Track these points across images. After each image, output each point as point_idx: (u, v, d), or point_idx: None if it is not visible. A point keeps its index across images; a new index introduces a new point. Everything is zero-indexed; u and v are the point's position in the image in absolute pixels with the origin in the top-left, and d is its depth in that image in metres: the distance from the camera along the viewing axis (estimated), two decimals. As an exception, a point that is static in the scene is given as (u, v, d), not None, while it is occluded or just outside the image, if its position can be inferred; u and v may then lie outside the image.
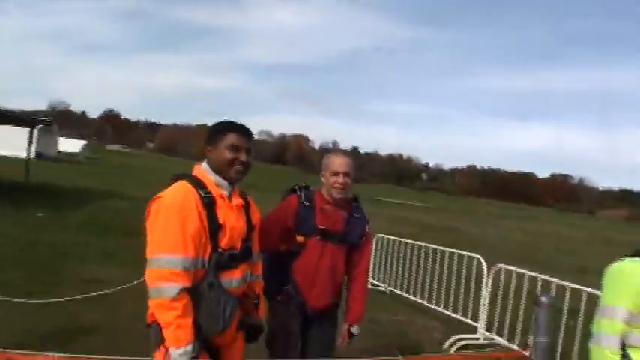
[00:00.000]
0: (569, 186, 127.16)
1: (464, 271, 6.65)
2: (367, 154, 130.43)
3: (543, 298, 2.21)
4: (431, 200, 68.52)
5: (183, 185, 2.36)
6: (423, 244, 7.58)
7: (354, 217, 3.25)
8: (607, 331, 2.33)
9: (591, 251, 22.93)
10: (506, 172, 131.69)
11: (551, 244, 24.22)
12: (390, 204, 46.15)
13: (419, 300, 7.38)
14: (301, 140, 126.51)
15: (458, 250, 6.91)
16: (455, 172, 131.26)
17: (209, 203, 2.33)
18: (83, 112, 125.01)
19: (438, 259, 7.20)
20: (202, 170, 2.46)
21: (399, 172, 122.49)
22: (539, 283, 5.58)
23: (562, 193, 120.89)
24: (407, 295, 7.68)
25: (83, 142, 47.20)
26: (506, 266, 5.95)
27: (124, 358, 3.34)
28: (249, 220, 2.55)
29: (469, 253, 6.66)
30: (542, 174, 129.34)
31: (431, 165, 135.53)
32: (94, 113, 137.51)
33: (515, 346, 5.39)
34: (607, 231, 45.61)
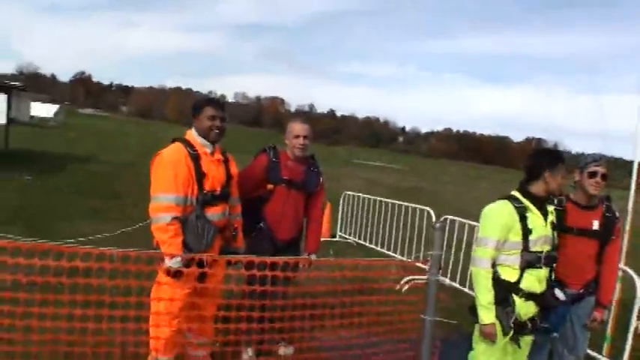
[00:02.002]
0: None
1: (417, 223, 7.54)
2: (344, 117, 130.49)
3: (438, 225, 3.04)
4: (406, 163, 69.56)
5: (177, 145, 3.37)
6: (384, 199, 8.46)
7: (311, 170, 4.22)
8: (481, 256, 3.11)
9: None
10: (481, 135, 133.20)
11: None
12: (365, 166, 47.04)
13: (380, 248, 8.29)
14: (277, 103, 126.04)
15: (412, 204, 7.79)
16: (431, 136, 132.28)
17: (195, 157, 3.33)
18: (53, 76, 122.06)
19: (396, 213, 8.08)
20: (191, 134, 3.45)
21: (375, 135, 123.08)
22: (476, 230, 6.46)
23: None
24: (370, 244, 8.61)
25: (56, 107, 46.24)
26: (451, 217, 6.82)
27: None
28: (228, 171, 3.54)
29: (421, 207, 7.55)
30: (517, 137, 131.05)
31: (407, 128, 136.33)
32: (64, 77, 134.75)
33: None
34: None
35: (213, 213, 3.39)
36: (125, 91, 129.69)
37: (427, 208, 7.41)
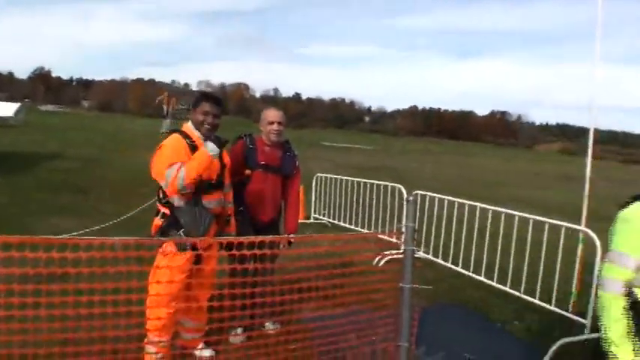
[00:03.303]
0: (508, 123, 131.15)
1: (389, 200, 7.77)
2: (310, 100, 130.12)
3: (410, 198, 3.22)
4: (373, 142, 70.18)
5: (176, 136, 3.63)
6: (355, 179, 8.67)
7: (287, 155, 4.44)
8: (615, 277, 2.33)
9: (517, 181, 24.89)
10: (446, 111, 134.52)
11: (481, 177, 26.04)
12: (333, 148, 47.34)
13: (354, 227, 8.50)
14: (242, 89, 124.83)
15: (382, 182, 8.01)
16: (397, 114, 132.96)
17: (193, 148, 3.57)
18: (10, 73, 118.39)
19: (368, 192, 8.29)
20: (188, 127, 3.71)
21: (342, 116, 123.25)
22: (446, 203, 6.73)
23: (501, 130, 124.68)
24: (344, 224, 8.82)
25: (16, 105, 44.98)
26: (422, 192, 7.05)
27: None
28: (221, 160, 3.77)
29: (392, 184, 7.79)
30: (482, 112, 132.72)
31: (373, 108, 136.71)
32: (22, 73, 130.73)
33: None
34: (539, 163, 48.59)
35: (210, 200, 3.64)
36: (86, 85, 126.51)
37: (398, 185, 7.64)
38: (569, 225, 5.17)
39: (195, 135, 3.63)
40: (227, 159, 3.90)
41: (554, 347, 4.49)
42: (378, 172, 21.19)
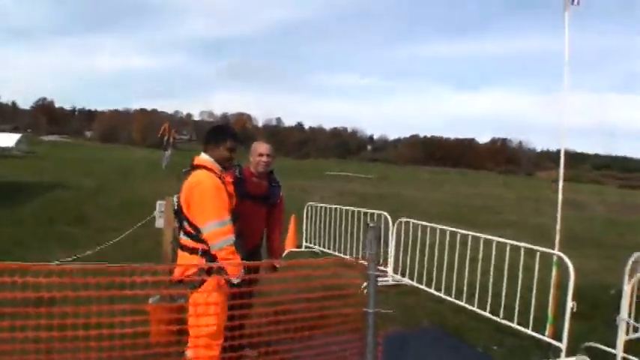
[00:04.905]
0: (509, 149, 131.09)
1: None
2: (312, 129, 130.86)
3: (371, 224, 3.36)
4: (375, 171, 70.14)
5: (207, 172, 3.67)
6: (343, 207, 8.82)
7: (272, 185, 4.70)
8: None
9: (515, 209, 24.96)
10: (448, 139, 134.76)
11: (481, 203, 26.10)
12: (336, 177, 47.47)
13: (342, 255, 8.62)
14: (244, 119, 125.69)
15: (369, 210, 8.16)
16: (398, 143, 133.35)
17: (223, 183, 3.70)
18: (13, 103, 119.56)
19: (356, 219, 8.44)
20: (209, 161, 3.76)
21: (344, 144, 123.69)
22: (428, 230, 6.86)
23: (502, 157, 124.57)
24: (334, 252, 8.94)
25: (18, 135, 45.43)
26: (406, 219, 7.19)
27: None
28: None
29: (377, 211, 7.92)
30: (483, 139, 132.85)
31: (375, 136, 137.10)
32: (25, 104, 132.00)
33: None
34: (538, 189, 48.53)
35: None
36: (89, 115, 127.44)
37: (384, 213, 7.79)
38: (543, 249, 5.30)
39: (217, 169, 3.74)
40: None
41: (530, 370, 4.60)
42: (377, 200, 21.33)
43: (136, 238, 8.86)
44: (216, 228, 3.51)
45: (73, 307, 2.70)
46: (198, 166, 3.73)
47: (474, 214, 19.37)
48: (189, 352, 3.50)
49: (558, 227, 5.30)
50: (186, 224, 3.64)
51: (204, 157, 3.78)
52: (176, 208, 3.75)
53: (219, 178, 3.67)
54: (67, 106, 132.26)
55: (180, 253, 3.69)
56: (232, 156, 3.86)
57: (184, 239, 3.66)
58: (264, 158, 4.56)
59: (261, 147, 4.61)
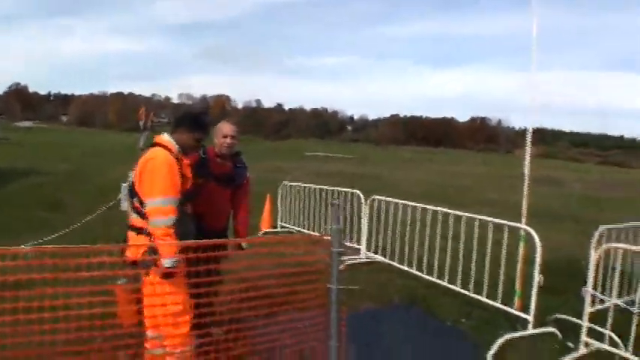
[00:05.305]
0: (488, 128, 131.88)
1: (348, 206, 7.93)
2: (292, 110, 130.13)
3: (334, 201, 3.37)
4: (357, 151, 70.21)
5: (166, 153, 3.58)
6: (317, 186, 8.82)
7: (237, 166, 4.59)
8: None
9: (495, 187, 25.25)
10: (428, 118, 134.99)
11: (459, 182, 26.32)
12: (315, 157, 47.39)
13: (316, 233, 8.63)
14: (223, 101, 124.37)
15: (342, 188, 8.18)
16: (379, 122, 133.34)
17: (179, 162, 3.61)
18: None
19: (330, 198, 8.44)
20: (169, 142, 3.67)
21: (324, 125, 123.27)
22: (400, 207, 6.91)
23: (482, 135, 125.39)
24: (308, 231, 8.95)
25: (-11, 122, 44.46)
26: (379, 197, 7.22)
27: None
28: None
29: (351, 190, 7.94)
30: (462, 118, 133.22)
31: (356, 117, 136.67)
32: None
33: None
34: (517, 167, 48.80)
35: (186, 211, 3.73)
36: (65, 100, 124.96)
37: (356, 191, 7.80)
38: (511, 223, 5.37)
39: (175, 150, 3.65)
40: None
41: (498, 342, 4.69)
42: (360, 179, 21.39)
43: (108, 221, 8.80)
44: (158, 205, 3.42)
45: (40, 289, 2.67)
46: (158, 145, 3.65)
47: (455, 193, 19.53)
48: (149, 333, 3.46)
49: (524, 202, 5.37)
50: (135, 201, 3.54)
51: (165, 137, 3.70)
52: (130, 185, 3.66)
53: (177, 158, 3.60)
54: (42, 91, 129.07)
55: (129, 233, 3.58)
56: (197, 146, 3.88)
57: (134, 217, 3.55)
58: (228, 140, 4.46)
59: (225, 127, 4.49)
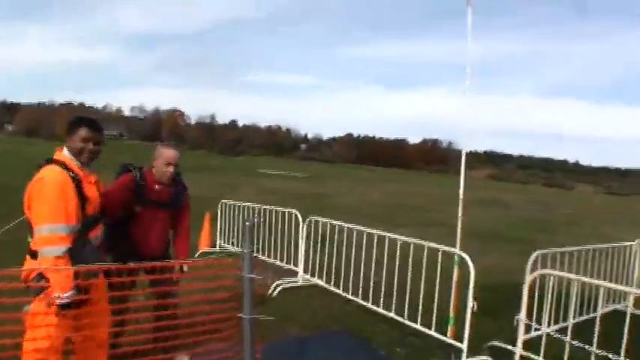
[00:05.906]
0: (439, 149, 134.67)
1: (286, 226, 7.68)
2: (246, 127, 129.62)
3: (247, 223, 3.11)
4: (309, 169, 70.30)
5: (57, 169, 3.14)
6: (256, 205, 8.53)
7: (177, 189, 4.29)
8: None
9: (443, 208, 25.51)
10: (381, 138, 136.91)
11: (407, 202, 26.48)
12: (268, 175, 47.03)
13: (258, 255, 8.32)
14: (176, 116, 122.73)
15: (281, 208, 7.92)
16: (333, 142, 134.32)
17: (77, 181, 3.15)
18: None
19: (271, 218, 8.17)
20: (65, 155, 3.24)
21: (278, 143, 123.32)
22: (337, 229, 6.72)
23: (433, 157, 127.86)
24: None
25: None
26: (316, 218, 7.00)
27: None
28: (99, 192, 3.40)
29: (289, 210, 7.69)
30: (415, 139, 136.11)
31: (310, 135, 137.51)
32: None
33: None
34: (468, 189, 49.77)
35: (93, 237, 3.29)
36: (10, 108, 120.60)
37: (294, 211, 7.56)
38: (445, 248, 5.24)
39: (75, 165, 3.22)
40: (101, 189, 3.50)
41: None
42: (307, 199, 21.22)
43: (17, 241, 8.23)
44: (47, 233, 3.00)
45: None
46: (54, 161, 3.20)
47: (401, 214, 19.58)
48: None
49: (459, 226, 5.25)
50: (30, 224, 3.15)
51: (64, 153, 3.28)
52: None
53: (76, 177, 3.16)
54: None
55: (27, 256, 3.19)
56: (89, 148, 3.27)
57: (30, 240, 3.15)
58: (172, 169, 4.15)
59: (168, 155, 4.15)
